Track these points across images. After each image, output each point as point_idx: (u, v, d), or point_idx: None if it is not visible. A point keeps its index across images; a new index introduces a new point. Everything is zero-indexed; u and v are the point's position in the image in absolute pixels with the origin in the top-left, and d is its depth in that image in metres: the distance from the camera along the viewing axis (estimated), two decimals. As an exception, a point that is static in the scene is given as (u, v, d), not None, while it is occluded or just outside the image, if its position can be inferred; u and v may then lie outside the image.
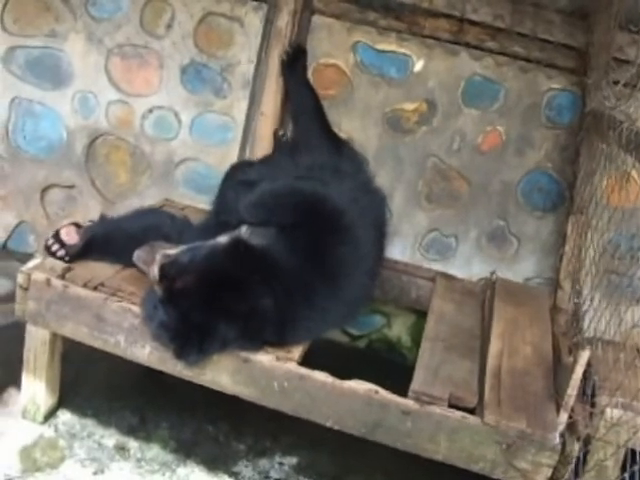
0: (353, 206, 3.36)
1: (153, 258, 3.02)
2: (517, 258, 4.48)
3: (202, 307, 2.90)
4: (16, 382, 3.44)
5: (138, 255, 3.11)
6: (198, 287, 2.93)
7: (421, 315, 4.08)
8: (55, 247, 3.39)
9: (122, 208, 4.31)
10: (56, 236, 3.43)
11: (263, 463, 3.50)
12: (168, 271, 2.97)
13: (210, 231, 3.34)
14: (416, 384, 2.99)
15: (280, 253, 3.11)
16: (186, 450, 3.47)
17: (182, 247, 3.11)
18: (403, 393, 2.94)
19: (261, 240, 3.16)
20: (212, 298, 2.90)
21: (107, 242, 3.47)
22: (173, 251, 3.07)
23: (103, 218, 3.69)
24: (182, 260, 3.01)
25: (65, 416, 3.50)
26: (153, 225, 3.56)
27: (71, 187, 4.77)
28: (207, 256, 3.04)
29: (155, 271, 2.98)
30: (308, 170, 3.68)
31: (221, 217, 3.53)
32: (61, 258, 3.37)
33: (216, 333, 2.91)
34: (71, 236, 3.43)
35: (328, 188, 3.39)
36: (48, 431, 3.39)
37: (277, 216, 3.25)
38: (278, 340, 3.07)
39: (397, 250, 4.43)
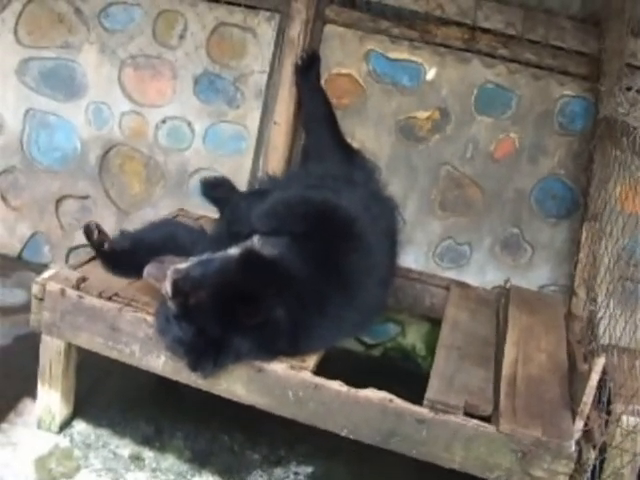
0: (365, 215, 3.35)
1: (164, 274, 3.01)
2: (531, 265, 4.47)
3: (216, 322, 2.90)
4: (31, 392, 3.44)
5: (148, 272, 3.10)
6: (212, 302, 2.92)
7: (435, 323, 4.06)
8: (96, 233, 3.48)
9: (136, 218, 4.34)
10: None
11: (278, 473, 3.49)
12: (181, 287, 2.95)
13: (222, 241, 3.34)
14: (431, 392, 2.98)
15: (292, 262, 3.10)
16: (201, 460, 3.46)
17: (192, 260, 3.10)
18: (418, 402, 2.93)
19: (273, 250, 3.15)
20: (226, 312, 2.89)
21: (129, 257, 3.47)
22: (184, 265, 3.05)
23: (123, 233, 3.70)
24: (194, 274, 2.99)
25: (80, 426, 3.51)
26: (171, 237, 3.58)
27: (85, 198, 4.80)
28: (219, 270, 3.02)
29: (168, 287, 2.97)
30: (320, 179, 3.67)
31: (233, 227, 3.53)
32: (100, 243, 3.46)
33: (230, 346, 2.91)
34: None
35: (340, 197, 3.39)
36: (63, 441, 3.40)
37: (289, 225, 3.24)
38: (292, 350, 3.07)
39: (411, 258, 4.42)
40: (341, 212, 3.27)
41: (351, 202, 3.37)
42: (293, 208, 3.34)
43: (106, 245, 3.49)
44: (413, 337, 4.67)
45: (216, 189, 4.17)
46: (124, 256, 3.49)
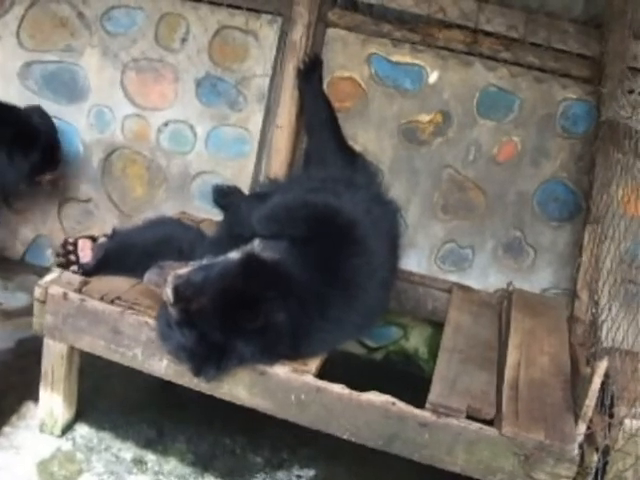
0: (366, 218, 3.34)
1: (164, 279, 3.00)
2: (534, 269, 4.46)
3: (218, 327, 2.89)
4: (34, 396, 3.44)
5: (149, 278, 3.08)
6: (214, 308, 2.91)
7: (438, 327, 4.06)
8: (72, 258, 3.42)
9: (138, 222, 4.32)
10: (66, 246, 3.45)
11: (280, 476, 3.49)
12: (183, 292, 2.94)
13: (222, 244, 3.34)
14: (433, 396, 2.98)
15: (293, 266, 3.10)
16: (203, 463, 3.46)
17: (192, 264, 3.08)
18: (420, 405, 2.93)
19: (274, 253, 3.14)
20: (228, 318, 2.89)
21: (121, 258, 3.47)
22: (184, 270, 3.02)
23: (116, 232, 3.68)
24: (195, 280, 2.97)
25: (83, 429, 3.51)
26: (166, 238, 3.57)
27: (88, 201, 4.80)
28: (220, 275, 3.00)
29: (169, 293, 2.95)
30: (321, 182, 3.66)
31: (234, 230, 3.52)
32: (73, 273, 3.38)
33: (233, 351, 2.90)
34: (85, 252, 3.45)
35: (341, 200, 3.38)
36: (66, 444, 3.40)
37: (290, 228, 3.24)
38: (294, 353, 3.07)
39: (413, 261, 4.42)
40: (342, 215, 3.26)
41: (352, 205, 3.36)
42: (294, 211, 3.33)
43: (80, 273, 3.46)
44: (415, 340, 4.66)
45: (227, 197, 4.17)
46: (116, 259, 3.49)
